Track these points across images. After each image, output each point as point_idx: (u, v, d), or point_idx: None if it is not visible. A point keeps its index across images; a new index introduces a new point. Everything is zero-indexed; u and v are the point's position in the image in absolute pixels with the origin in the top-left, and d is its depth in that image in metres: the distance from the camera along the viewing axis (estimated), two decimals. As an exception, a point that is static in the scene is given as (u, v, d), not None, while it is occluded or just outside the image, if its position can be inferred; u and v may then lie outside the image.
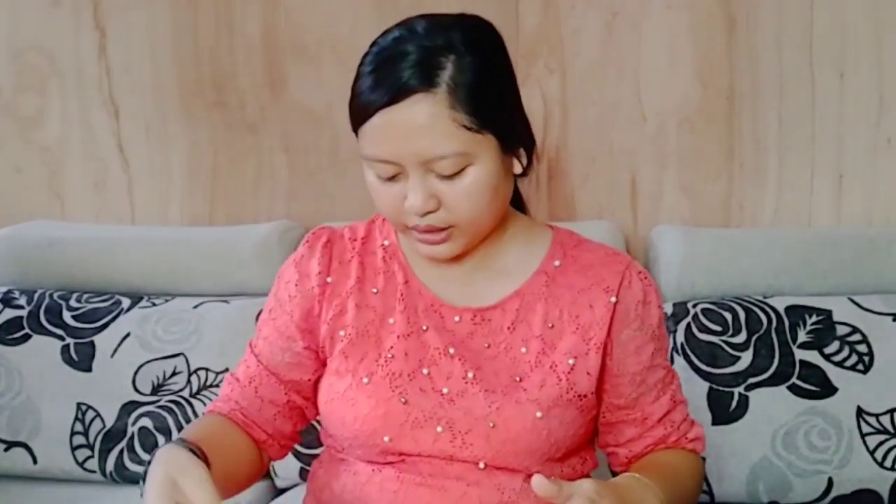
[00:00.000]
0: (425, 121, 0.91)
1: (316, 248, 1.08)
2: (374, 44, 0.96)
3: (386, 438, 0.98)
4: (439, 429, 0.98)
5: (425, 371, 1.01)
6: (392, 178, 0.95)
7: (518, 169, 1.01)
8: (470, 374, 1.00)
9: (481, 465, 0.98)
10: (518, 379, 0.99)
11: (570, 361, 1.00)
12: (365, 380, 1.00)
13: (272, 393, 1.07)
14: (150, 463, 0.89)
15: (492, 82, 0.94)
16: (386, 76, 0.91)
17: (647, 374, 1.05)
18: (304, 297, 1.07)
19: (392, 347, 1.02)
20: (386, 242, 1.09)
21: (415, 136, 0.91)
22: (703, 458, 1.12)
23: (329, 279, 1.07)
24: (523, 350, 1.01)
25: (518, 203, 1.12)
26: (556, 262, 1.05)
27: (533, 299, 1.03)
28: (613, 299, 1.02)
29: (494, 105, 0.94)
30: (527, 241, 1.07)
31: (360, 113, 0.94)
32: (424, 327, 1.03)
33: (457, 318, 1.03)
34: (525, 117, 1.02)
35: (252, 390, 1.07)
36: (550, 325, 1.02)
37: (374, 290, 1.06)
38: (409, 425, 0.98)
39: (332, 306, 1.06)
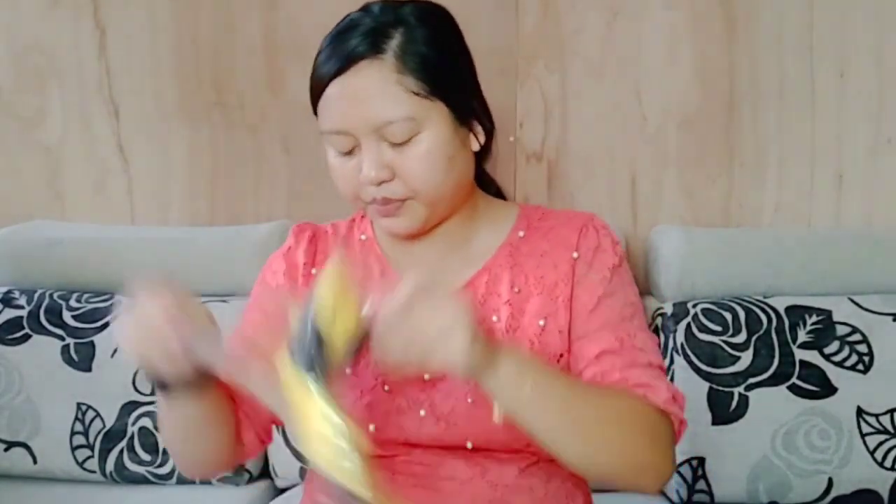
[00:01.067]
0: (373, 86, 0.93)
1: (301, 240, 1.11)
2: (335, 26, 0.99)
3: (371, 427, 0.99)
4: (422, 413, 0.99)
5: None
6: (349, 153, 0.97)
7: (476, 146, 1.02)
8: None
9: (469, 446, 0.98)
10: None
11: (541, 323, 1.01)
12: (347, 371, 1.01)
13: None
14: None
15: (441, 53, 0.96)
16: (337, 48, 0.95)
17: (589, 317, 1.00)
18: (292, 286, 1.08)
19: None
20: (363, 237, 1.10)
21: (364, 102, 0.93)
22: (668, 416, 0.96)
23: (314, 270, 1.08)
24: (495, 318, 1.01)
25: (490, 186, 1.12)
26: (521, 233, 1.06)
27: (500, 271, 1.04)
28: (575, 255, 1.03)
29: (444, 74, 0.96)
30: (495, 219, 1.08)
31: (315, 87, 0.97)
32: None
33: None
34: (482, 98, 1.03)
35: None
36: (517, 290, 1.02)
37: None
38: (393, 412, 0.99)
39: None
